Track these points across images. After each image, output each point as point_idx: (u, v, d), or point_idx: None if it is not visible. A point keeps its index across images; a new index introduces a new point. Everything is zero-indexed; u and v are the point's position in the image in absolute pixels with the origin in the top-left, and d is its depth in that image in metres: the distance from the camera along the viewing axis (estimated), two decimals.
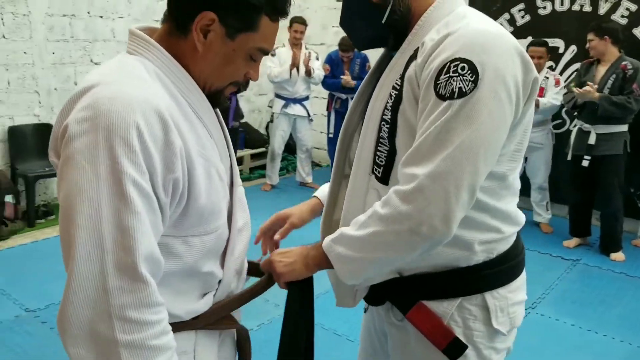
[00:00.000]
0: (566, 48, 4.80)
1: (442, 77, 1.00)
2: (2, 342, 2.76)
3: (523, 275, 1.26)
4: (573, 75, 4.47)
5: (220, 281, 1.10)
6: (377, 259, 1.09)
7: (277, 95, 5.49)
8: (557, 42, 4.84)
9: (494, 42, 1.02)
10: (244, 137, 6.13)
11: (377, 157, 1.15)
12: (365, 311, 1.45)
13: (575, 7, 4.70)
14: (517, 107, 1.05)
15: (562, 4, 4.77)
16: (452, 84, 0.99)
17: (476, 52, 1.00)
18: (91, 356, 0.82)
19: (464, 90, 0.98)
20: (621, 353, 2.90)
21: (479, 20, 1.07)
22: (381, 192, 1.14)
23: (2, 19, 4.23)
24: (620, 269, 3.92)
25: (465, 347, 1.17)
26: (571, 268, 3.96)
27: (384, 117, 1.13)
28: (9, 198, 4.29)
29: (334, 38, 6.19)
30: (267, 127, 6.73)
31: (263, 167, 5.89)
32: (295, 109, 5.48)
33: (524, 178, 4.78)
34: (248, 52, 1.01)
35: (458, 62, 0.99)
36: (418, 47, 1.09)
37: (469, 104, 0.98)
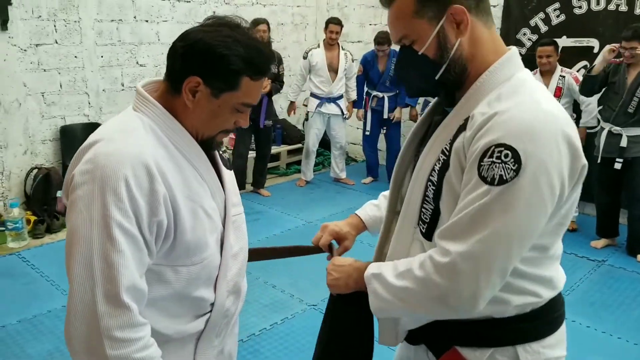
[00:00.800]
0: (601, 47, 4.73)
1: (485, 159, 1.01)
2: (51, 330, 3.06)
3: (562, 331, 1.24)
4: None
5: (212, 304, 1.27)
6: (405, 309, 1.15)
7: (313, 95, 5.66)
8: (592, 42, 4.80)
9: (542, 129, 1.01)
10: (281, 133, 6.34)
11: (422, 214, 1.17)
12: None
13: (611, 7, 4.64)
14: (560, 196, 1.04)
15: (597, 4, 4.71)
16: (494, 170, 1.00)
17: (522, 140, 0.99)
18: None
19: (504, 178, 0.99)
20: (634, 356, 2.94)
21: (532, 100, 1.05)
22: (425, 246, 1.17)
23: (55, 26, 4.56)
24: None
25: None
26: (595, 269, 3.98)
27: (430, 177, 1.14)
28: (60, 194, 4.64)
29: (372, 35, 6.28)
30: (303, 124, 6.92)
31: (299, 162, 6.09)
32: (330, 108, 5.63)
33: None
34: (233, 106, 1.16)
35: (502, 149, 0.99)
36: (469, 117, 1.08)
37: (508, 191, 0.99)
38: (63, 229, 4.38)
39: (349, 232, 1.54)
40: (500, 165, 0.99)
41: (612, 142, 4.10)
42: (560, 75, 4.50)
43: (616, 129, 4.06)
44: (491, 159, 1.00)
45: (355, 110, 5.85)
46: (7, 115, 4.42)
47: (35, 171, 4.58)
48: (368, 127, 5.75)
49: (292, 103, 5.76)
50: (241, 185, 5.35)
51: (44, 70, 4.58)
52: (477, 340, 1.19)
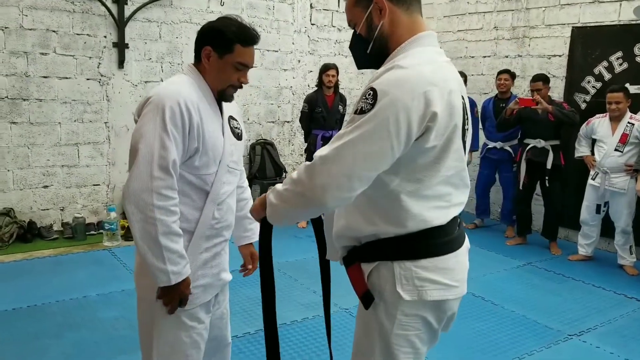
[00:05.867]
0: None
1: (361, 99, 1.34)
2: (120, 303, 3.67)
3: (442, 260, 1.45)
4: None
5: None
6: (286, 209, 1.43)
7: None
8: None
9: (407, 81, 1.29)
10: None
11: None
12: None
13: None
14: (408, 133, 1.29)
15: None
16: (360, 104, 1.32)
17: (384, 85, 1.30)
18: (136, 211, 1.61)
19: (364, 109, 1.30)
20: None
21: (413, 64, 1.33)
22: None
23: (162, 67, 5.48)
24: None
25: (372, 298, 1.46)
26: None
27: None
28: None
29: None
30: None
31: None
32: None
33: (609, 221, 4.76)
34: (232, 65, 1.78)
35: (370, 91, 1.31)
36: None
37: (363, 117, 1.30)
38: None
39: None
40: (365, 101, 1.31)
41: None
42: (629, 122, 4.53)
43: None
44: (363, 97, 1.33)
45: None
46: (117, 138, 5.34)
47: None
48: None
49: None
50: None
51: None
52: (368, 256, 1.49)
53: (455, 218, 1.51)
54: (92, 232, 5.11)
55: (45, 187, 5.07)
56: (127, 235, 5.04)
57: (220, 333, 2.09)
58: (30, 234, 4.85)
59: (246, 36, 1.76)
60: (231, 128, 1.90)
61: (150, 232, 1.63)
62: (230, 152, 1.87)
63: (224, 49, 1.75)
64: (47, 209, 5.11)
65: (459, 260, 1.52)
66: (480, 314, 3.75)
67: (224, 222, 1.90)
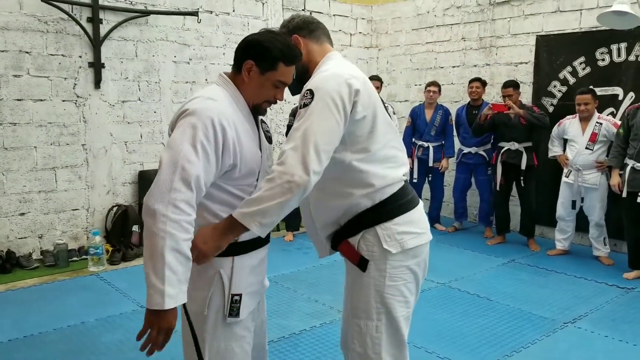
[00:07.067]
0: (625, 95, 5.08)
1: (301, 98, 1.70)
2: (121, 326, 3.57)
3: (410, 214, 1.84)
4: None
5: None
6: (270, 207, 1.61)
7: None
8: (617, 90, 5.14)
9: (329, 78, 1.70)
10: None
11: None
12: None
13: (632, 58, 5.01)
14: (344, 109, 1.67)
15: (619, 55, 5.10)
16: (302, 101, 1.69)
17: (315, 84, 1.69)
18: (151, 222, 1.53)
19: (306, 103, 1.67)
20: None
21: (329, 69, 1.76)
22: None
23: (139, 86, 5.42)
24: None
25: (367, 261, 1.81)
26: (623, 295, 4.13)
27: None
28: (135, 228, 5.29)
29: (417, 95, 6.88)
30: None
31: None
32: None
33: (581, 216, 5.03)
34: (273, 82, 1.77)
35: (307, 91, 1.70)
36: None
37: (308, 109, 1.66)
38: (136, 258, 5.00)
39: None
40: (305, 98, 1.68)
41: (637, 177, 4.35)
42: (597, 122, 4.81)
43: (638, 165, 4.32)
44: (302, 97, 1.70)
45: None
46: (95, 160, 5.22)
47: (115, 208, 5.29)
48: (415, 175, 6.16)
49: None
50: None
51: (128, 122, 5.40)
52: (353, 230, 1.83)
53: (406, 182, 1.90)
54: (75, 259, 4.94)
55: (22, 214, 4.87)
56: (112, 259, 4.91)
57: (261, 341, 2.08)
58: (9, 263, 4.64)
59: (290, 55, 1.75)
60: (264, 133, 1.91)
61: (157, 245, 1.52)
62: (267, 158, 1.88)
63: (267, 66, 1.73)
64: (25, 237, 4.92)
65: (420, 213, 1.92)
66: (480, 310, 3.87)
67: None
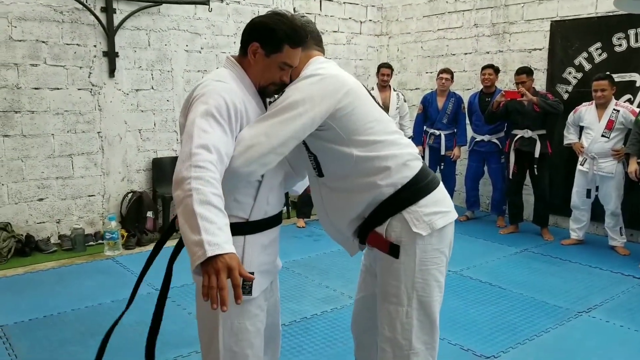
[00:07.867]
0: None
1: (282, 93, 1.75)
2: (138, 307, 3.59)
3: (434, 194, 1.83)
4: None
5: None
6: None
7: None
8: (635, 76, 5.07)
9: (309, 78, 1.73)
10: None
11: (312, 165, 1.88)
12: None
13: None
14: (327, 106, 1.69)
15: (637, 41, 5.03)
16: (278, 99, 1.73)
17: (294, 85, 1.73)
18: (178, 189, 1.51)
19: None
20: None
21: (312, 69, 1.77)
22: (322, 181, 1.88)
23: (152, 75, 5.47)
24: None
25: (398, 247, 1.80)
26: (639, 285, 4.09)
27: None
28: (150, 214, 5.38)
29: (428, 83, 6.85)
30: None
31: None
32: None
33: (597, 205, 4.98)
34: (278, 64, 1.76)
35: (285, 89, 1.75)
36: None
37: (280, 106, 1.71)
38: (150, 243, 5.07)
39: None
40: (281, 95, 1.73)
41: None
42: (614, 109, 4.72)
43: None
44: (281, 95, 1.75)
45: None
46: (110, 148, 5.29)
47: (130, 195, 5.37)
48: (427, 163, 6.14)
49: None
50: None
51: (142, 111, 5.46)
52: (379, 219, 1.82)
53: (424, 165, 1.90)
54: (91, 243, 5.04)
55: (41, 199, 4.98)
56: (127, 244, 5.00)
57: (275, 320, 2.11)
58: (28, 247, 4.75)
59: (296, 37, 1.75)
60: None
61: (187, 205, 1.43)
62: None
63: (272, 48, 1.73)
64: (43, 222, 5.02)
65: (443, 192, 1.91)
66: (492, 298, 3.87)
67: (278, 208, 1.94)
